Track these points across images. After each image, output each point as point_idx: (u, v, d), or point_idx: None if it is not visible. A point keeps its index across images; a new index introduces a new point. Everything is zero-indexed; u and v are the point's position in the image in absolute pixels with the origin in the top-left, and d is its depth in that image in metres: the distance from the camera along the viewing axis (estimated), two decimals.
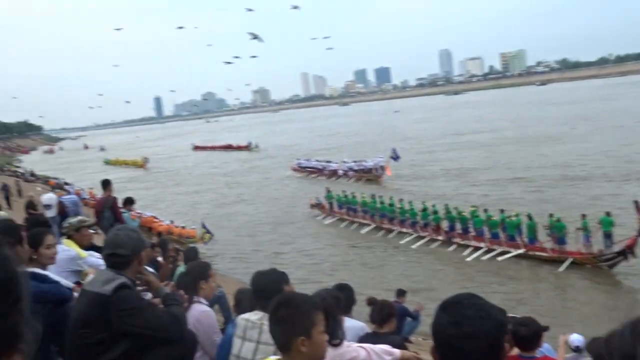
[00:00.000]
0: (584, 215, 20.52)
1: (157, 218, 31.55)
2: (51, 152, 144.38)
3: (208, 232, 27.25)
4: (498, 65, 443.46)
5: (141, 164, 74.51)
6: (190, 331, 3.55)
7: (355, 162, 45.25)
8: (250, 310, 3.40)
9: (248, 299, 3.89)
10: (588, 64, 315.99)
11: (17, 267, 0.73)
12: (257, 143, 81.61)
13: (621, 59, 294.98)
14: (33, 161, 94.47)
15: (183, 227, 29.42)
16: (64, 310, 3.23)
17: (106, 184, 10.47)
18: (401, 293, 12.83)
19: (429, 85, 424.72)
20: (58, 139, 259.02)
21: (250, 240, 28.83)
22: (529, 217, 21.83)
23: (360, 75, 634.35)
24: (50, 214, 8.74)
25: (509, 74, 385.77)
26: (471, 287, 18.60)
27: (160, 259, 8.62)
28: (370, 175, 42.12)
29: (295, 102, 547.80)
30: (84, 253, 5.16)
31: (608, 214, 20.37)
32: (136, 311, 3.09)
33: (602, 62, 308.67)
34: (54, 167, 60.49)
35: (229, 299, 9.00)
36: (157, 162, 75.72)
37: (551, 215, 21.25)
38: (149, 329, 3.12)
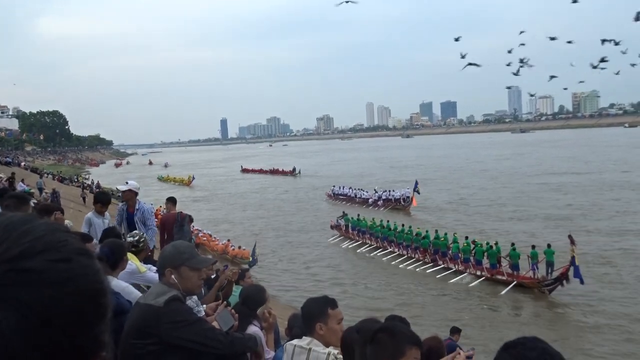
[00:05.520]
0: (533, 246, 23.23)
1: (213, 237, 32.07)
2: (119, 166, 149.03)
3: (253, 255, 27.31)
4: (569, 105, 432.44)
5: (187, 182, 77.31)
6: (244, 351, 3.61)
7: (384, 191, 47.35)
8: (302, 336, 3.41)
9: (300, 326, 3.92)
10: None
11: (106, 280, 0.77)
12: (299, 169, 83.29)
13: None
14: (100, 174, 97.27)
15: (239, 248, 29.75)
16: (121, 322, 3.29)
17: (172, 201, 10.90)
18: (455, 331, 12.25)
19: (495, 122, 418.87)
20: (126, 154, 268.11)
21: (284, 262, 29.49)
22: (492, 245, 24.76)
23: (426, 108, 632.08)
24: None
25: (579, 114, 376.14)
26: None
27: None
28: (397, 205, 44.30)
29: (358, 131, 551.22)
30: (144, 267, 5.26)
31: (549, 245, 23.01)
32: (184, 324, 3.14)
33: None
34: (118, 180, 62.27)
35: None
36: (220, 184, 76.93)
37: (512, 245, 24.29)
38: (196, 342, 3.17)
